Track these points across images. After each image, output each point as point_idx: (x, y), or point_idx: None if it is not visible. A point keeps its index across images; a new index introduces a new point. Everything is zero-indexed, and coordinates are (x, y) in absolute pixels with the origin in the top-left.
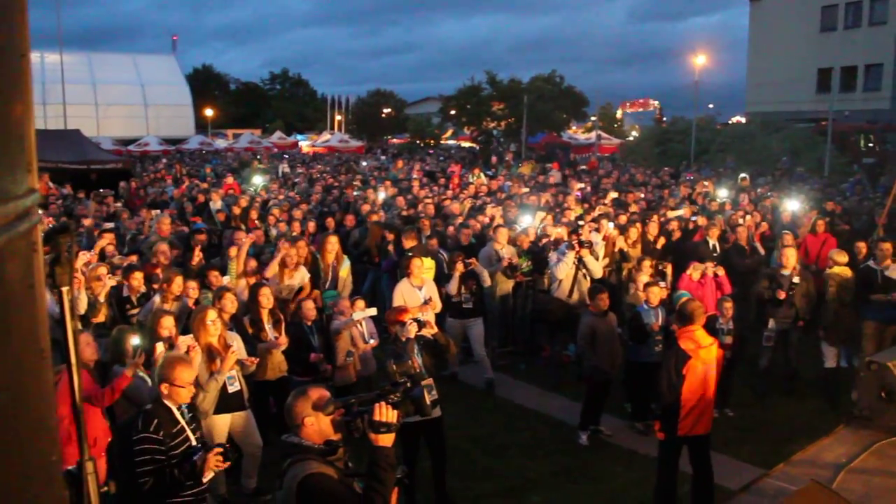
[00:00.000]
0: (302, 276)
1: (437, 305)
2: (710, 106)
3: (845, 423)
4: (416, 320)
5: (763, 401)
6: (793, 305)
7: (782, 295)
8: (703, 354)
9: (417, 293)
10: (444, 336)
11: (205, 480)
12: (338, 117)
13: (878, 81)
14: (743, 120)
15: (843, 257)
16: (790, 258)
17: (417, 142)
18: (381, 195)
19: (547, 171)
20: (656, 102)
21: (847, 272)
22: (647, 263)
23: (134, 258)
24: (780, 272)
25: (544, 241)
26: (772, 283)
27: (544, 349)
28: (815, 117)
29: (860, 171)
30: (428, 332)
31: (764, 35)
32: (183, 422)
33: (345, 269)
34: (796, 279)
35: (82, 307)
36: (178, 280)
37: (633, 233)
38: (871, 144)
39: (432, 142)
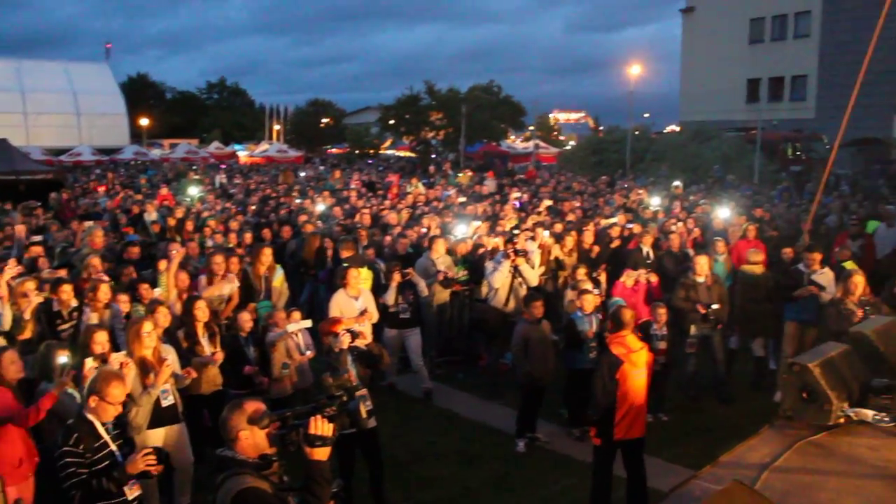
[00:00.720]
0: (231, 286)
1: (374, 316)
2: (646, 115)
3: (770, 423)
4: (349, 331)
5: (696, 404)
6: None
7: (703, 310)
8: (635, 359)
9: (354, 304)
10: (377, 346)
11: (130, 497)
12: (276, 127)
13: (804, 92)
14: (677, 129)
15: (758, 256)
16: (703, 266)
17: (356, 152)
18: (319, 206)
19: (483, 181)
20: (582, 114)
21: (758, 270)
22: (581, 271)
23: (63, 272)
24: (695, 280)
25: (481, 250)
26: (688, 293)
27: (482, 358)
28: (745, 126)
29: (788, 178)
30: (361, 343)
31: (696, 46)
32: (106, 436)
33: (278, 279)
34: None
35: (6, 324)
36: (104, 288)
37: (569, 241)
38: (797, 153)
39: (371, 152)
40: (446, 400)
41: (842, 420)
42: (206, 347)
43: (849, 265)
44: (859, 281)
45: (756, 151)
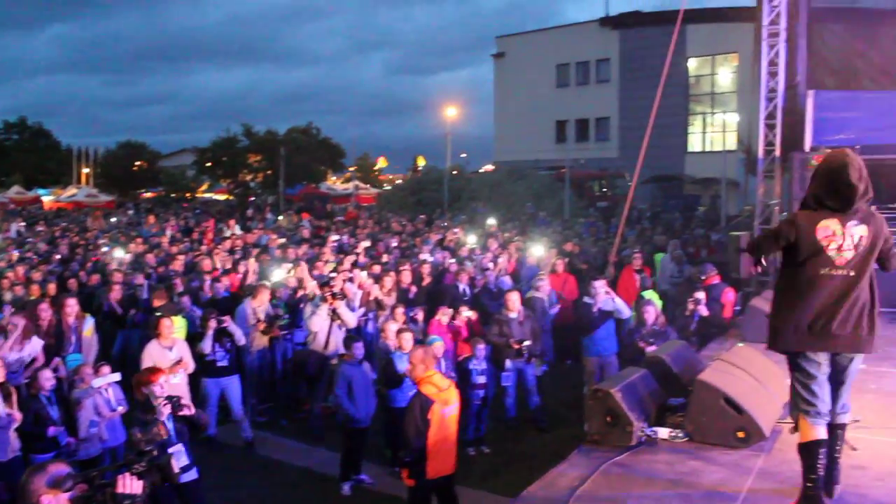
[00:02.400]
0: (33, 347)
1: (190, 366)
2: (463, 155)
3: (578, 448)
4: (170, 400)
5: (515, 434)
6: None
7: (516, 346)
8: (445, 397)
9: (167, 353)
10: (199, 416)
11: None
12: (85, 170)
13: (607, 133)
14: (492, 168)
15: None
16: (514, 302)
17: (172, 195)
18: (119, 253)
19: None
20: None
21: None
22: (399, 310)
23: None
24: (507, 316)
25: (300, 293)
26: (501, 328)
27: (305, 402)
28: (555, 165)
29: (595, 213)
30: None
31: (507, 90)
32: None
33: (88, 329)
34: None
35: None
36: None
37: (388, 281)
38: (603, 189)
39: (188, 195)
40: (270, 448)
41: (643, 439)
42: (1, 410)
43: (648, 294)
44: (651, 310)
45: (566, 189)
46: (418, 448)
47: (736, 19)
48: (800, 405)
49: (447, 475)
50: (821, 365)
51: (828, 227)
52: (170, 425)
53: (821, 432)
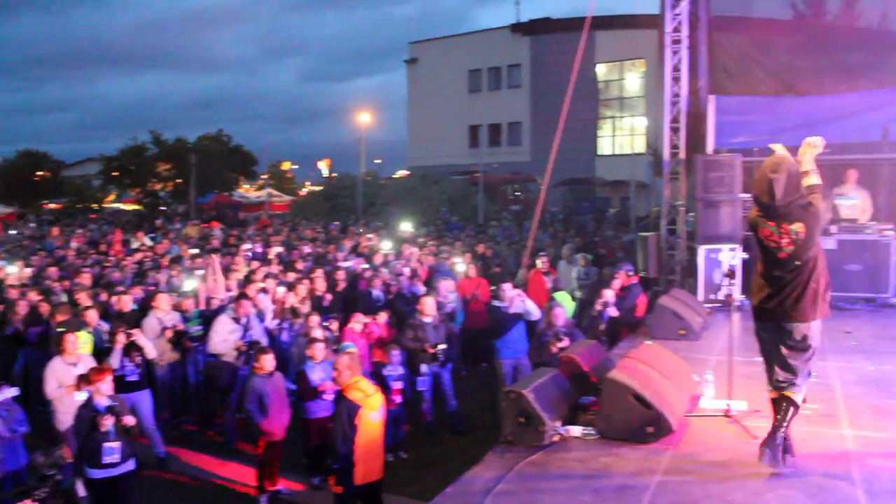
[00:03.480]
0: None
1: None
2: (377, 161)
3: (493, 449)
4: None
5: (433, 438)
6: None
7: (431, 350)
8: (372, 402)
9: (72, 370)
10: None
11: None
12: None
13: (520, 137)
14: (406, 174)
15: None
16: (429, 307)
17: (77, 206)
18: (13, 268)
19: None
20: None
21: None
22: (314, 319)
23: None
24: (422, 321)
25: (214, 303)
26: (416, 333)
27: (218, 415)
28: (469, 170)
29: (508, 217)
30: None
31: (421, 95)
32: None
33: None
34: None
35: None
36: None
37: (302, 289)
38: (516, 193)
39: (94, 206)
40: (183, 463)
41: (556, 438)
42: None
43: (559, 296)
44: (560, 311)
45: (479, 193)
46: (346, 454)
47: (642, 26)
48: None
49: (375, 481)
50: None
51: (766, 229)
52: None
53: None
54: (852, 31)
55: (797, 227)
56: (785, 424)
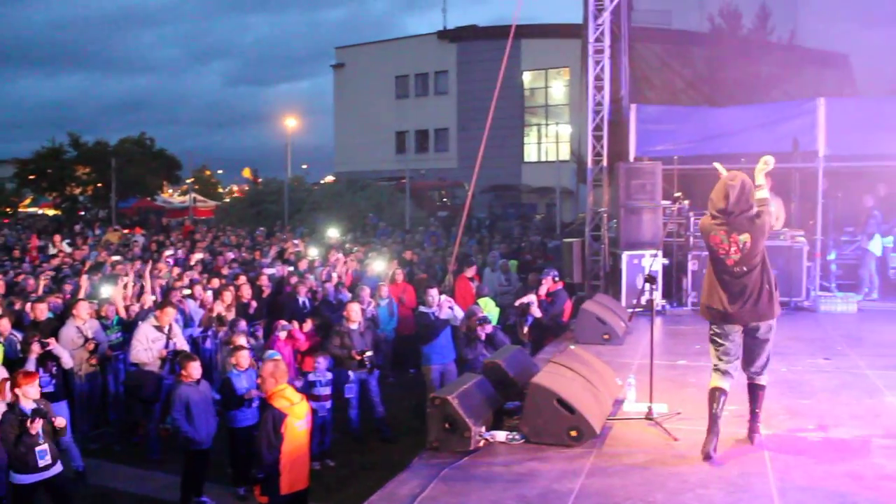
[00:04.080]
0: None
1: (7, 394)
2: (304, 166)
3: (419, 456)
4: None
5: (361, 445)
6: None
7: (358, 357)
8: (297, 411)
9: None
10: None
11: None
12: None
13: (447, 144)
14: (333, 179)
15: None
16: (355, 313)
17: None
18: None
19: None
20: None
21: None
22: (240, 326)
23: None
24: (348, 328)
25: (133, 311)
26: (342, 339)
27: (140, 426)
28: (396, 176)
29: (435, 223)
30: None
31: (347, 100)
32: None
33: None
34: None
35: None
36: None
37: (228, 296)
38: (443, 199)
39: (8, 210)
40: (104, 476)
41: (481, 444)
42: None
43: (483, 302)
44: (477, 308)
45: (406, 199)
46: (271, 463)
47: (567, 36)
48: (713, 362)
49: (301, 490)
50: (729, 335)
51: (717, 237)
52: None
53: (723, 384)
54: (765, 45)
55: (744, 237)
56: (759, 408)
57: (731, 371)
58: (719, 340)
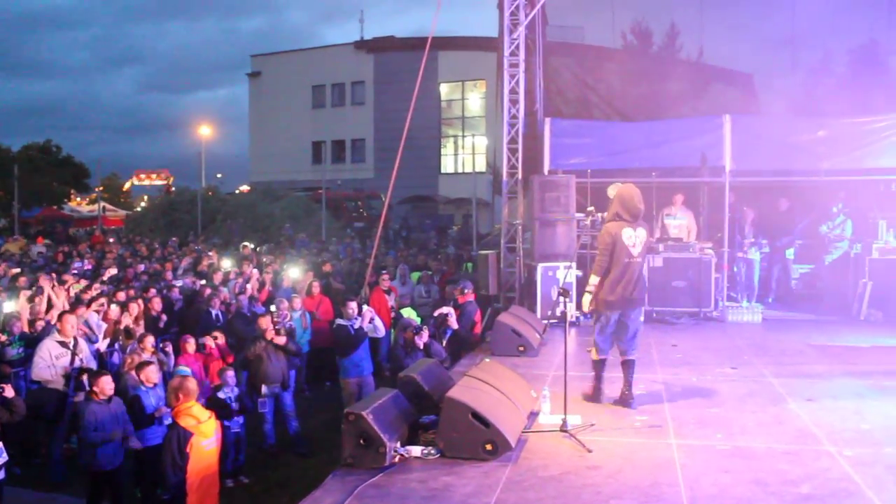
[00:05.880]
0: None
1: None
2: (219, 175)
3: (333, 473)
4: None
5: (276, 461)
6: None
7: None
8: (204, 429)
9: None
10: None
11: None
12: None
13: (363, 154)
14: (248, 189)
15: None
16: (268, 331)
17: None
18: None
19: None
20: (165, 173)
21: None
22: (149, 340)
23: None
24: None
25: (39, 325)
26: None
27: (42, 446)
28: (312, 186)
29: (352, 234)
30: None
31: (263, 109)
32: None
33: None
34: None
35: None
36: None
37: (134, 308)
38: (360, 210)
39: None
40: (3, 501)
41: (396, 459)
42: None
43: (406, 312)
44: (409, 317)
45: (322, 210)
46: (176, 484)
47: (483, 48)
48: (595, 342)
49: None
50: (611, 320)
51: (629, 234)
52: None
53: (604, 356)
54: (674, 62)
55: (642, 232)
56: (633, 378)
57: (606, 347)
58: (606, 327)
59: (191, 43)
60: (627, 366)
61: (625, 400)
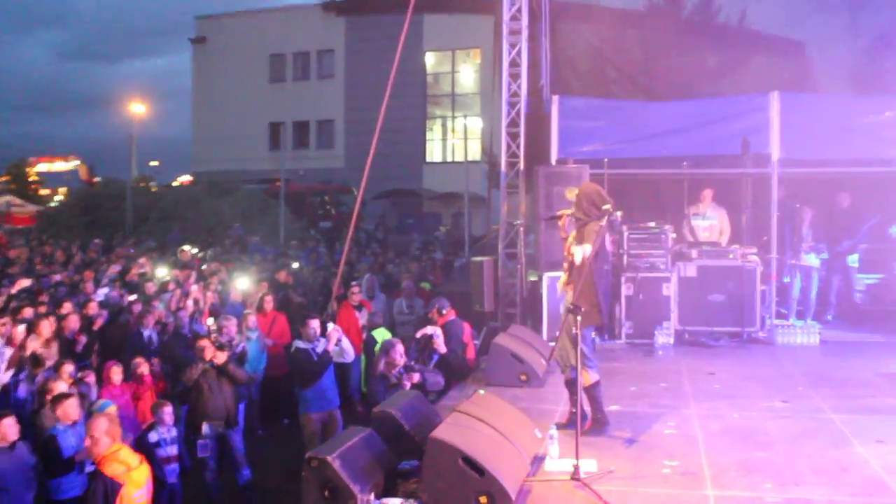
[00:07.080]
0: None
1: None
2: (154, 163)
3: None
4: None
5: None
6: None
7: None
8: (136, 477)
9: None
10: None
11: None
12: None
13: (332, 138)
14: (190, 180)
15: None
16: (207, 351)
17: None
18: None
19: None
20: (77, 163)
21: None
22: (66, 368)
23: None
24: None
25: None
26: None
27: None
28: (269, 177)
29: (317, 236)
30: None
31: (210, 83)
32: None
33: None
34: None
35: None
36: None
37: (45, 328)
38: (327, 207)
39: None
40: None
41: None
42: None
43: (378, 334)
44: (401, 349)
45: (281, 206)
46: None
47: (477, 11)
48: (585, 362)
49: None
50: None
51: (611, 236)
52: None
53: (597, 377)
54: (710, 29)
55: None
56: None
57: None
58: (588, 342)
59: (121, 2)
60: (575, 383)
61: (573, 422)
